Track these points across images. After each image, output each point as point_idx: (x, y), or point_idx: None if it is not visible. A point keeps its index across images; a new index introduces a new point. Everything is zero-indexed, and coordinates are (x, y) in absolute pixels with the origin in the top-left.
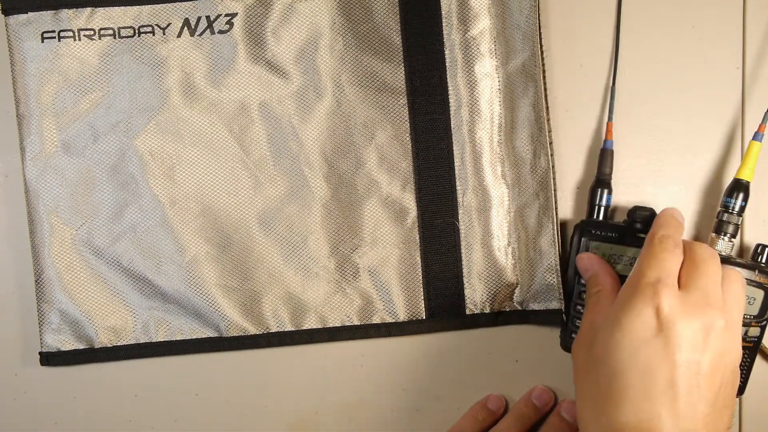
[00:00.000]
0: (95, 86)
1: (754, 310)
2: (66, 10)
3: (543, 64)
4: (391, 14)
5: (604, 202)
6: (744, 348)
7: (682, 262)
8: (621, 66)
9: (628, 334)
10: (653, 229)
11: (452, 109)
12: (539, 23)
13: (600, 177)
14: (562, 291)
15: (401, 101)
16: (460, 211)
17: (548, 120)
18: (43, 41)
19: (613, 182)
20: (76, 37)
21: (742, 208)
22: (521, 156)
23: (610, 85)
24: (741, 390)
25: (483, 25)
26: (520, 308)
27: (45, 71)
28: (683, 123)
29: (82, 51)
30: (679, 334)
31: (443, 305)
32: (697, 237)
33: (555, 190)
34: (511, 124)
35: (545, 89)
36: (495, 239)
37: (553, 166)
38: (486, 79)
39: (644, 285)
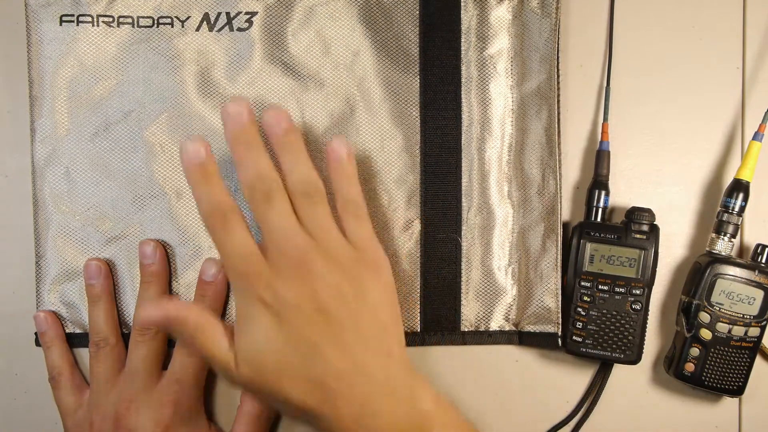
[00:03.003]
0: (110, 74)
1: (754, 310)
2: None
3: (558, 89)
4: (411, 25)
5: (601, 204)
6: (744, 348)
7: None
8: (621, 66)
9: None
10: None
11: (464, 125)
12: (558, 47)
13: (597, 178)
14: (560, 315)
15: (414, 113)
16: (464, 228)
17: (559, 144)
18: (61, 24)
19: (613, 182)
20: (95, 23)
21: (742, 208)
22: (529, 177)
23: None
24: (741, 390)
25: (501, 44)
26: (515, 329)
27: (61, 54)
28: (683, 123)
29: (100, 37)
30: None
31: (438, 320)
32: (697, 237)
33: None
34: (521, 145)
35: (559, 114)
36: (496, 258)
37: (560, 189)
38: (500, 99)
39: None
